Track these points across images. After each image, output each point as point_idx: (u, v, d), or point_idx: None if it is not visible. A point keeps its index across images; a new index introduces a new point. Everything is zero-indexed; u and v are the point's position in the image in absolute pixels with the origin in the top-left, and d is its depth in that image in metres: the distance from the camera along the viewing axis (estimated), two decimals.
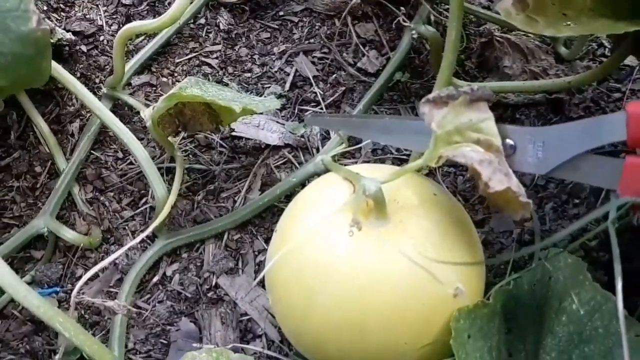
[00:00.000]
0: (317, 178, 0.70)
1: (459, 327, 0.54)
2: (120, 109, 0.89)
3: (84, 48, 0.94)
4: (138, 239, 0.67)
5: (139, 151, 0.76)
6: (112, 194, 0.84)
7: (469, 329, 0.55)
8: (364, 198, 0.57)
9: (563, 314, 0.59)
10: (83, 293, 0.73)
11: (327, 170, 0.73)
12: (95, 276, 0.78)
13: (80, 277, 0.78)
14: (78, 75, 0.90)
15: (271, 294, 0.62)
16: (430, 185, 0.63)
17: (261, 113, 0.87)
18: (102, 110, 0.79)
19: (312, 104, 0.88)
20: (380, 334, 0.55)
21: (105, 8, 0.97)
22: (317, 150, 0.83)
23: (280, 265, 0.59)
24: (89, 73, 0.92)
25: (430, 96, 0.56)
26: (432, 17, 0.89)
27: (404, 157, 0.81)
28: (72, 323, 0.60)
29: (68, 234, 0.78)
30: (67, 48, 0.92)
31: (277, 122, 0.86)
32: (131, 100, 0.82)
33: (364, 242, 0.56)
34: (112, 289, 0.76)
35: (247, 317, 0.72)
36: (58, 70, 0.81)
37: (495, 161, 0.55)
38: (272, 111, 0.87)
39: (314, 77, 0.89)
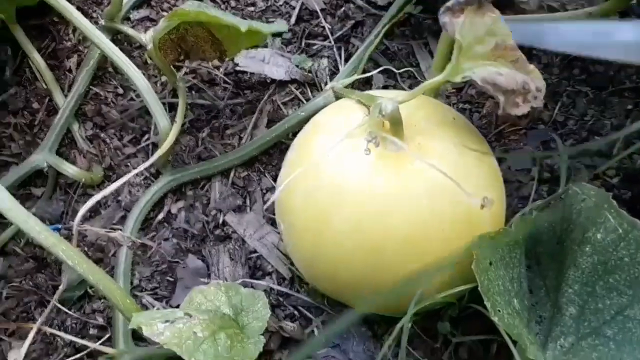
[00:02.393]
0: (328, 106, 0.67)
1: (481, 253, 0.52)
2: (119, 44, 0.85)
3: None
4: (141, 167, 0.65)
5: (141, 82, 0.72)
6: (112, 130, 0.81)
7: (490, 256, 0.53)
8: (380, 118, 0.54)
9: (586, 245, 0.57)
10: (86, 229, 0.71)
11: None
12: (98, 213, 0.75)
13: (83, 214, 0.75)
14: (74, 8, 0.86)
15: (283, 221, 0.60)
16: (449, 110, 0.61)
17: (266, 46, 0.83)
18: (101, 39, 0.75)
19: (320, 38, 0.84)
20: (397, 258, 0.52)
21: None
22: (326, 84, 0.80)
23: (293, 190, 0.57)
24: (85, 7, 0.88)
25: (449, 4, 0.53)
26: None
27: None
28: (75, 252, 0.58)
29: (69, 169, 0.75)
30: None
31: (283, 56, 0.82)
32: (130, 31, 0.78)
33: (381, 163, 0.53)
34: (115, 226, 0.74)
35: (257, 254, 0.70)
36: None
37: (516, 79, 0.53)
38: (278, 45, 0.83)
39: (322, 10, 0.85)
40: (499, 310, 0.51)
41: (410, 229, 0.52)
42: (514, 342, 0.51)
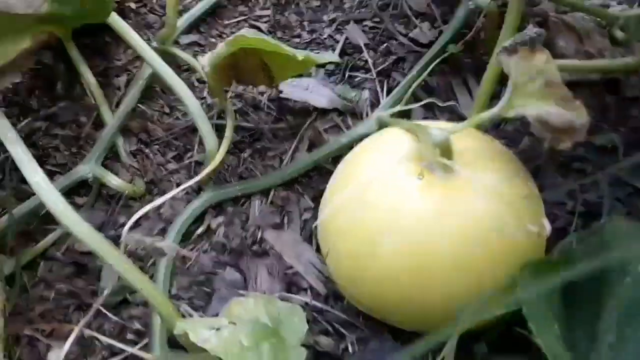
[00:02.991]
0: (375, 132, 0.69)
1: (526, 280, 0.53)
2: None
3: (132, 5, 0.95)
4: (187, 185, 0.67)
5: (191, 101, 0.75)
6: (157, 147, 0.83)
7: (533, 283, 0.54)
8: (431, 146, 0.56)
9: (627, 276, 0.57)
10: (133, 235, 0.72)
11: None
12: (138, 225, 0.77)
13: (124, 224, 0.76)
14: None
15: (327, 242, 0.61)
16: (495, 142, 0.63)
17: (309, 76, 0.86)
18: (155, 59, 0.79)
19: (362, 71, 0.87)
20: (443, 283, 0.54)
21: None
22: (366, 115, 0.82)
23: (338, 212, 0.59)
24: (137, 29, 0.91)
25: (505, 44, 0.56)
26: None
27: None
28: (124, 258, 0.60)
29: (113, 180, 0.77)
30: (116, 4, 0.92)
31: (326, 86, 0.85)
32: (182, 54, 0.82)
33: (431, 190, 0.55)
34: (155, 238, 0.75)
35: (293, 270, 0.71)
36: (114, 19, 0.81)
37: (564, 118, 0.55)
38: (321, 75, 0.87)
39: (365, 44, 0.89)
40: (542, 333, 0.52)
41: (458, 255, 0.53)
42: None
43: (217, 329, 0.54)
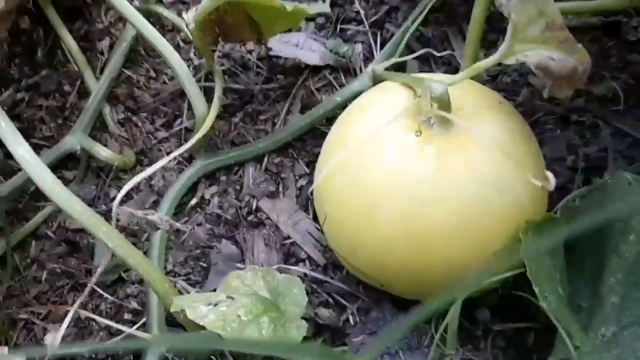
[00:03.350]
0: (371, 88, 0.66)
1: (529, 240, 0.51)
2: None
3: None
4: (177, 153, 0.64)
5: (178, 63, 0.72)
6: (145, 114, 0.80)
7: (537, 242, 0.53)
8: (428, 100, 0.53)
9: (630, 234, 0.56)
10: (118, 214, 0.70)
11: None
12: (130, 197, 0.75)
13: (114, 198, 0.75)
14: None
15: (323, 208, 0.59)
16: (494, 94, 0.60)
17: (299, 30, 0.82)
18: (138, 19, 0.74)
19: (354, 23, 0.83)
20: (445, 244, 0.52)
21: None
22: (360, 70, 0.79)
23: (336, 175, 0.56)
24: None
25: None
26: None
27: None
28: (116, 233, 0.58)
29: (102, 152, 0.74)
30: None
31: (317, 40, 0.81)
32: (166, 12, 0.78)
33: (430, 148, 0.53)
34: (147, 211, 0.73)
35: (290, 240, 0.69)
36: None
37: (567, 65, 0.53)
38: (312, 29, 0.83)
39: None
40: (547, 297, 0.51)
41: (458, 215, 0.51)
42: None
43: (215, 305, 0.53)
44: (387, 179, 0.53)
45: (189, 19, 0.66)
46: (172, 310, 0.55)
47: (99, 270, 0.59)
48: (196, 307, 0.53)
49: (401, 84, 0.59)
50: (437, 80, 0.53)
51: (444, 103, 0.52)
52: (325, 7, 0.72)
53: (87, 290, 0.60)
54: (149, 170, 0.62)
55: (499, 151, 0.52)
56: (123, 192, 0.59)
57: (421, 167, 0.52)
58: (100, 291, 0.65)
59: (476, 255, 0.52)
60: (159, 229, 0.65)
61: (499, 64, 0.79)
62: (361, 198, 0.54)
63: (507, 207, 0.53)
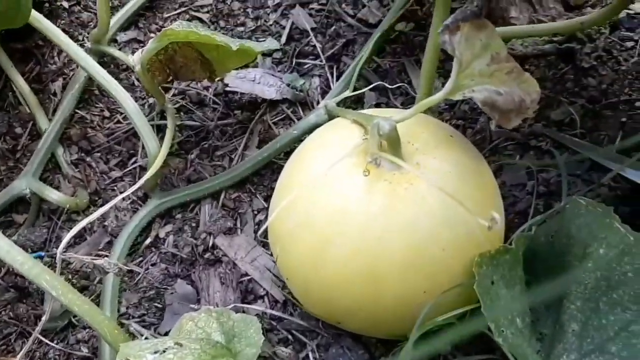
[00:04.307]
0: (323, 125, 0.65)
1: (482, 273, 0.50)
2: (106, 67, 0.83)
3: (65, 4, 0.89)
4: (129, 191, 0.62)
5: (128, 103, 0.71)
6: (99, 154, 0.79)
7: (492, 275, 0.51)
8: (377, 139, 0.52)
9: (589, 260, 0.55)
10: (69, 257, 0.68)
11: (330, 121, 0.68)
12: (83, 239, 0.73)
13: (67, 241, 0.72)
14: None
15: (277, 246, 0.58)
16: (445, 127, 0.59)
17: (256, 66, 0.82)
18: (88, 62, 0.74)
19: (311, 57, 0.83)
20: (398, 281, 0.50)
21: None
22: (318, 104, 0.78)
23: (287, 214, 0.55)
24: (71, 30, 0.87)
25: (446, 22, 0.52)
26: None
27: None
28: (60, 281, 0.55)
29: (53, 195, 0.73)
30: (47, 4, 0.87)
31: (274, 75, 0.81)
32: (117, 53, 0.77)
33: (380, 185, 0.51)
34: (101, 252, 0.71)
35: (248, 277, 0.67)
36: (41, 21, 0.76)
37: (514, 98, 0.53)
38: (268, 64, 0.82)
39: (312, 29, 0.84)
40: (503, 331, 0.49)
41: (410, 252, 0.50)
42: None
43: (163, 352, 0.51)
44: (337, 218, 0.52)
45: (134, 61, 0.65)
46: (117, 359, 0.52)
47: (44, 318, 0.56)
48: (142, 355, 0.50)
49: (351, 121, 0.58)
50: (385, 117, 0.52)
51: (393, 140, 0.52)
52: (274, 45, 0.71)
53: (31, 338, 0.57)
54: (96, 213, 0.60)
55: (449, 186, 0.51)
56: (68, 237, 0.57)
57: (370, 205, 0.51)
58: (46, 341, 0.62)
59: (430, 290, 0.51)
60: (107, 272, 0.63)
61: None
62: (312, 237, 0.53)
63: (459, 241, 0.52)
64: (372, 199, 0.52)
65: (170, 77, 0.72)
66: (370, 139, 0.52)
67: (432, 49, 0.66)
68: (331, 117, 0.70)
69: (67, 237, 0.58)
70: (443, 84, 0.67)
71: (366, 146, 0.54)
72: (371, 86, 0.72)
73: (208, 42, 0.64)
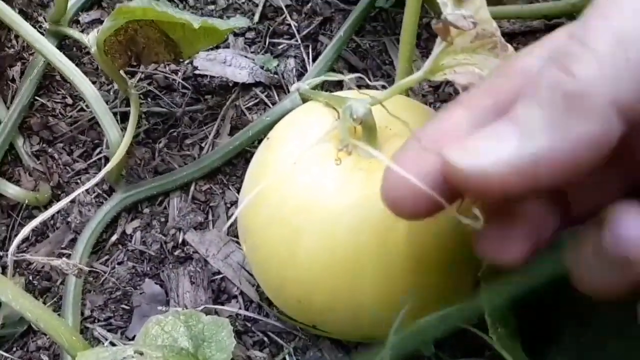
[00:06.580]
0: (295, 109, 0.60)
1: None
2: (68, 50, 0.78)
3: None
4: (89, 184, 0.58)
5: (88, 89, 0.65)
6: (61, 144, 0.73)
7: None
8: (350, 123, 0.48)
9: None
10: (26, 254, 0.63)
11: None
12: (45, 236, 0.68)
13: (28, 239, 0.68)
14: (16, 12, 0.78)
15: (246, 241, 0.53)
16: (427, 110, 0.55)
17: (227, 47, 0.77)
18: (44, 45, 0.68)
19: (286, 37, 0.78)
20: (375, 278, 0.46)
21: None
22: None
23: (256, 207, 0.50)
24: (29, 10, 0.81)
25: None
26: None
27: None
28: (9, 285, 0.51)
29: (10, 190, 0.68)
30: None
31: (246, 57, 0.76)
32: (77, 34, 0.71)
33: (354, 174, 0.47)
34: (64, 251, 0.66)
35: (220, 275, 0.63)
36: None
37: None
38: (241, 45, 0.77)
39: (287, 6, 0.79)
40: (497, 328, 0.45)
41: (389, 245, 0.46)
42: None
43: None
44: (308, 209, 0.47)
45: (90, 41, 0.60)
46: None
47: None
48: None
49: (325, 104, 0.54)
50: (359, 100, 0.48)
51: (368, 125, 0.47)
52: (243, 22, 0.66)
53: None
54: (51, 210, 0.56)
55: None
56: (20, 237, 0.53)
57: (345, 196, 0.47)
58: (1, 352, 0.58)
59: (410, 289, 0.47)
60: (67, 273, 0.58)
61: None
62: (282, 232, 0.48)
63: (443, 232, 0.47)
64: (347, 188, 0.47)
65: (133, 60, 0.67)
66: (342, 124, 0.48)
67: (409, 29, 0.61)
68: (305, 101, 0.65)
69: (19, 236, 0.53)
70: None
71: (339, 132, 0.49)
72: (350, 76, 0.67)
73: (167, 19, 0.58)
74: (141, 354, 0.48)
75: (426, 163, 0.33)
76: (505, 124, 0.29)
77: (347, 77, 0.59)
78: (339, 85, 0.74)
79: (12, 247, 0.52)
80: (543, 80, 0.28)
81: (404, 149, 0.36)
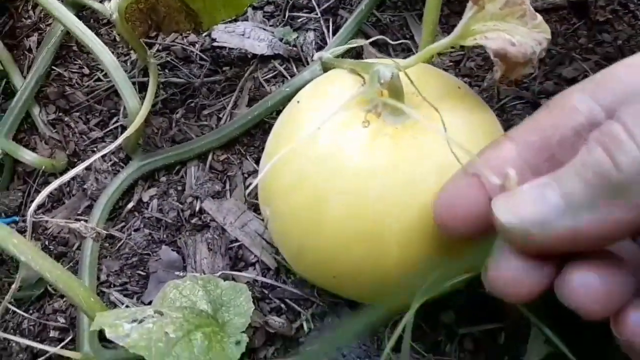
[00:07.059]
0: (317, 77, 0.60)
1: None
2: (85, 21, 0.78)
3: None
4: (106, 150, 0.57)
5: (107, 58, 0.65)
6: (78, 114, 0.73)
7: None
8: (377, 87, 0.47)
9: None
10: (45, 221, 0.63)
11: None
12: (61, 203, 0.68)
13: (44, 205, 0.68)
14: None
15: (268, 206, 0.53)
16: (452, 78, 0.54)
17: (246, 19, 0.77)
18: (64, 13, 0.67)
19: (305, 11, 0.77)
20: (400, 244, 0.46)
21: None
22: (312, 60, 0.73)
23: (279, 171, 0.50)
24: None
25: None
26: None
27: None
28: (29, 246, 0.50)
29: (27, 156, 0.67)
30: None
31: (265, 29, 0.75)
32: (96, 4, 0.71)
33: (380, 140, 0.46)
34: (80, 217, 0.66)
35: (238, 243, 0.63)
36: None
37: (527, 50, 0.48)
38: (260, 18, 0.77)
39: None
40: None
41: (416, 211, 0.45)
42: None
43: (141, 321, 0.46)
44: (333, 175, 0.46)
45: (112, 8, 0.59)
46: (91, 329, 0.48)
47: (14, 286, 0.52)
48: (118, 324, 0.46)
49: (349, 71, 0.53)
50: (386, 64, 0.47)
51: (395, 89, 0.47)
52: None
53: (1, 307, 0.53)
54: (70, 173, 0.55)
55: (457, 140, 0.46)
56: (38, 200, 0.52)
57: (371, 160, 0.46)
58: (19, 311, 0.58)
59: (435, 256, 0.46)
60: (85, 237, 0.58)
61: (462, 48, 0.75)
62: (306, 196, 0.48)
63: None
64: (372, 154, 0.47)
65: (152, 29, 0.66)
66: (370, 87, 0.47)
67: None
68: (326, 70, 0.65)
69: (38, 198, 0.53)
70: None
71: (365, 96, 0.49)
72: (371, 40, 0.66)
73: None
74: (161, 314, 0.48)
75: (475, 199, 0.38)
76: (553, 190, 0.33)
77: (373, 39, 0.58)
78: (358, 58, 0.73)
79: (32, 209, 0.52)
80: (589, 158, 0.31)
81: (455, 180, 0.41)
